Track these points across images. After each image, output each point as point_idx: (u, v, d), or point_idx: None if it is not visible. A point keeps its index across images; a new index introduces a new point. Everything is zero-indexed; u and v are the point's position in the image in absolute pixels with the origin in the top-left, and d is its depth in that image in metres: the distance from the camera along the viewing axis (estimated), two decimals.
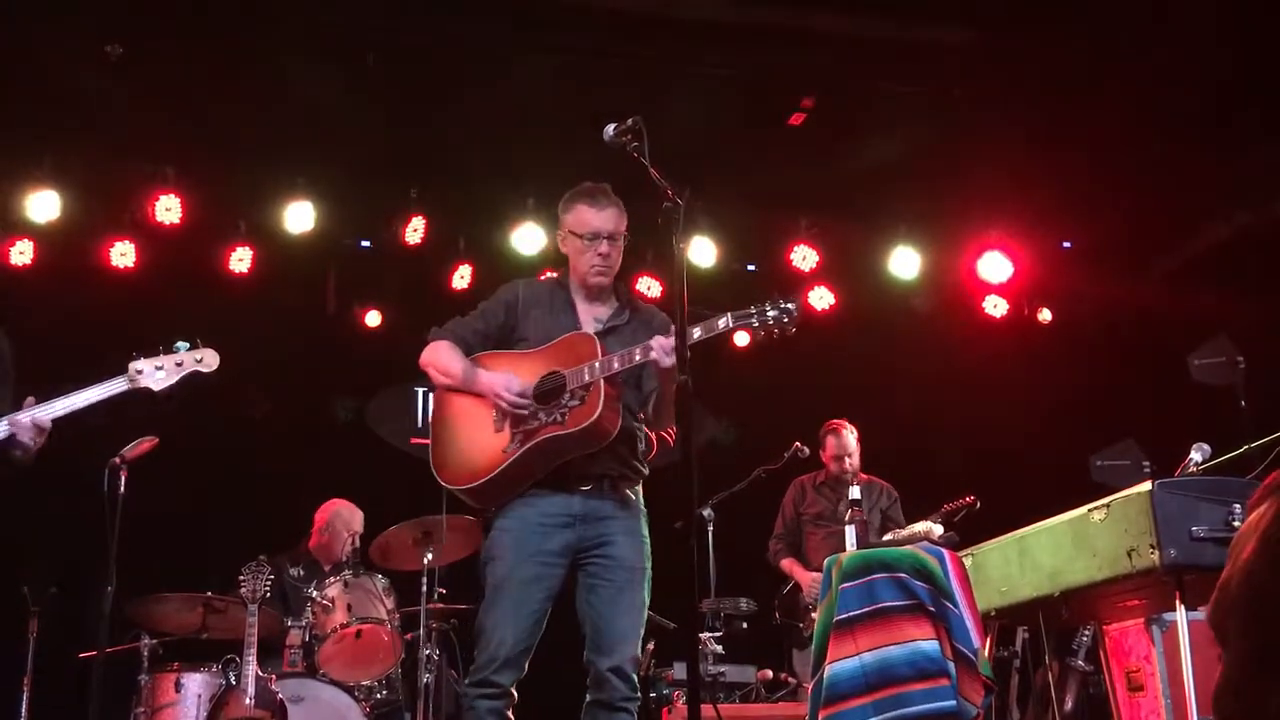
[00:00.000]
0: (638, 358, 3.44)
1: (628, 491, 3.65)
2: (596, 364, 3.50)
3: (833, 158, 6.95)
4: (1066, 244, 8.09)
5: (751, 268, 7.93)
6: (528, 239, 7.23)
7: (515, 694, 3.47)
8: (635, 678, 3.48)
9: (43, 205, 6.62)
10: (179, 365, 3.64)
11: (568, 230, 3.75)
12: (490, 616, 3.50)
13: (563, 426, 3.49)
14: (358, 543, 5.83)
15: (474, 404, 3.62)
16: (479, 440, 3.60)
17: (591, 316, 3.74)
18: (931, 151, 6.89)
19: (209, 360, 3.72)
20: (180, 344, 3.69)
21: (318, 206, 7.07)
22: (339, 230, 7.32)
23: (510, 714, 3.48)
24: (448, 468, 3.64)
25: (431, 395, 3.82)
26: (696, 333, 3.37)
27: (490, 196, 7.34)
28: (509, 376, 3.59)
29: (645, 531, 3.65)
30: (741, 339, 8.14)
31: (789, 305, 3.39)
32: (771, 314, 3.38)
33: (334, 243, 7.35)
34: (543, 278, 4.00)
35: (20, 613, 5.24)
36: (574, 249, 3.73)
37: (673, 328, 3.37)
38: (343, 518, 6.05)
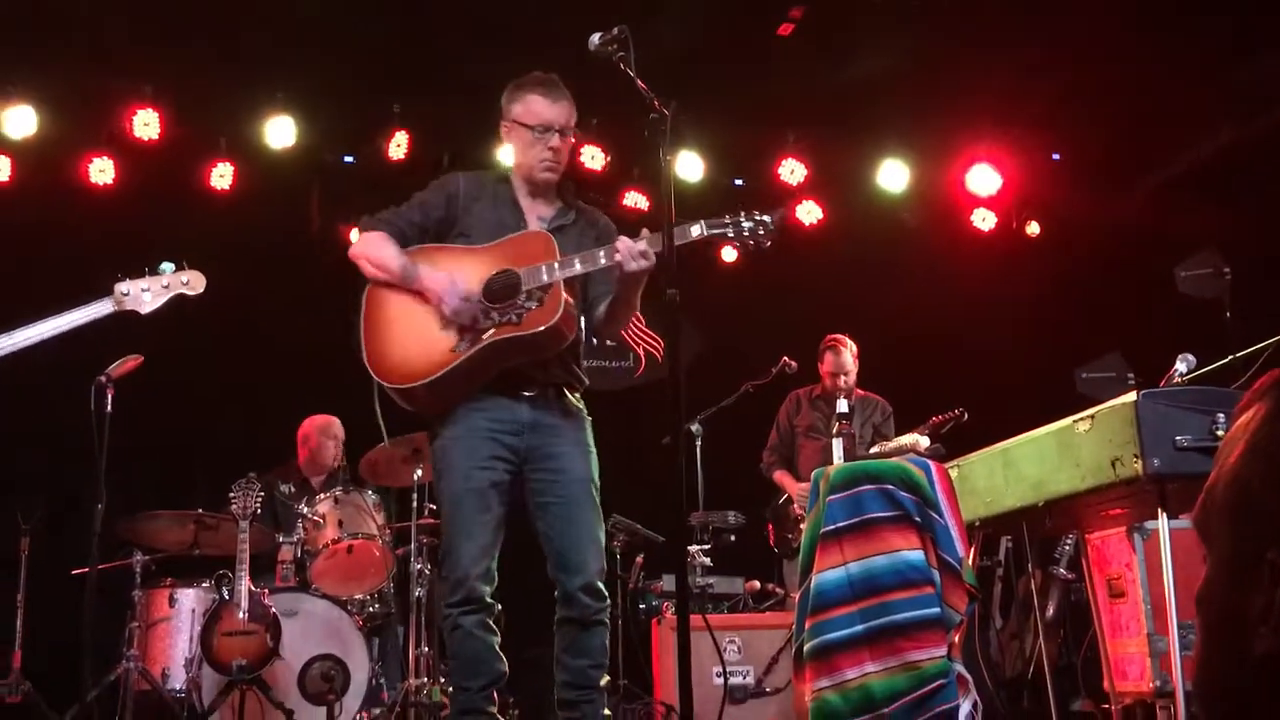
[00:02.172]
0: (602, 260, 3.30)
1: (571, 399, 3.53)
2: (555, 264, 3.33)
3: (821, 69, 6.86)
4: (1055, 156, 8.04)
5: (739, 182, 7.87)
6: (512, 155, 7.13)
7: (494, 603, 3.41)
8: (603, 587, 3.43)
9: (19, 121, 6.53)
10: (165, 287, 3.60)
11: (514, 121, 3.54)
12: (454, 533, 3.41)
13: (518, 328, 3.32)
14: (341, 455, 5.89)
15: (415, 300, 3.42)
16: (423, 338, 3.38)
17: (536, 215, 3.57)
18: (921, 63, 6.80)
19: (195, 283, 3.67)
20: (165, 265, 3.64)
21: (299, 122, 6.98)
22: (321, 146, 7.24)
23: (492, 623, 3.42)
24: (388, 367, 3.41)
25: (365, 291, 3.54)
26: (694, 230, 3.25)
27: (473, 110, 7.21)
28: (452, 279, 3.37)
29: (592, 442, 3.54)
30: (729, 254, 8.15)
31: (765, 218, 3.29)
32: (747, 225, 3.27)
33: (316, 159, 7.27)
34: (481, 173, 3.76)
35: (11, 532, 5.26)
36: (522, 141, 3.54)
37: (646, 232, 3.29)
38: (320, 427, 6.11)
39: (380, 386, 3.43)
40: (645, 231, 3.33)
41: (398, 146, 7.15)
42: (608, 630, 3.48)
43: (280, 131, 6.95)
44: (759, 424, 6.39)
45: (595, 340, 3.75)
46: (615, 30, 3.09)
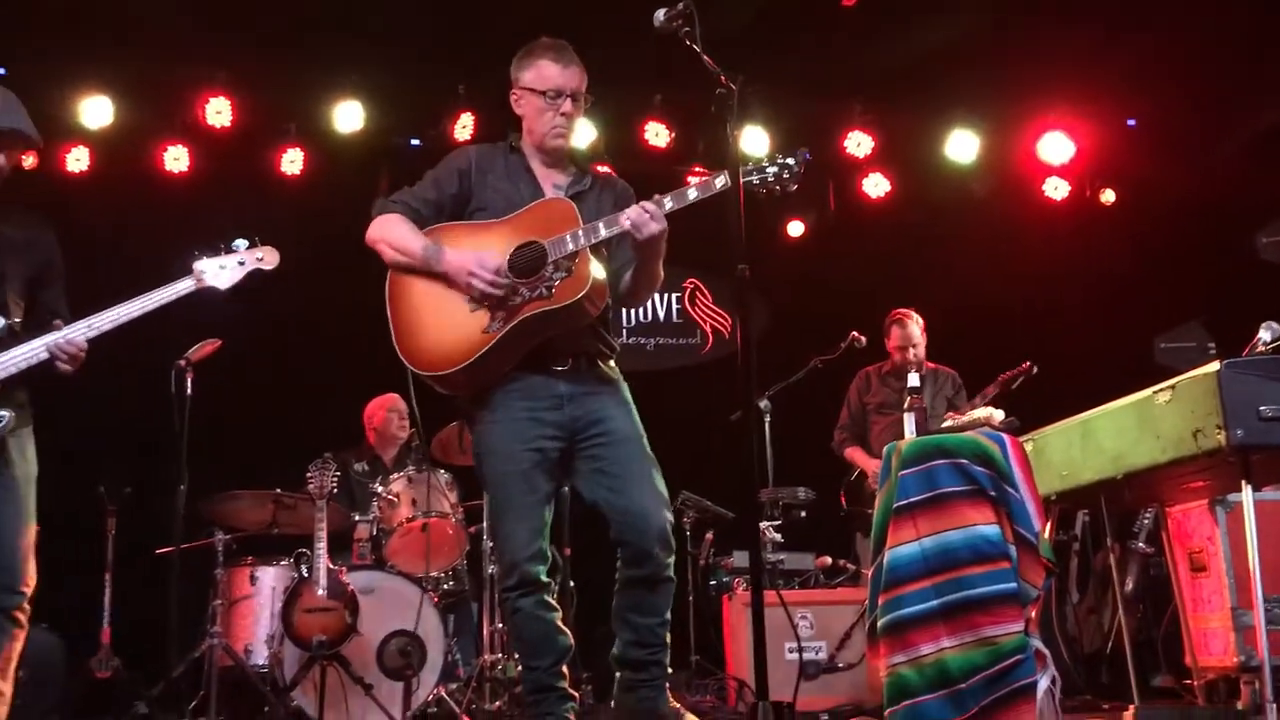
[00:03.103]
0: (625, 223, 3.22)
1: (604, 368, 3.45)
2: (580, 232, 3.24)
3: (887, 40, 6.76)
4: (1131, 122, 7.85)
5: (808, 156, 7.78)
6: (577, 132, 7.12)
7: (550, 580, 3.38)
8: (672, 542, 3.34)
9: (96, 111, 6.67)
10: (240, 264, 3.66)
11: (525, 88, 3.46)
12: (502, 519, 3.37)
13: (550, 301, 3.23)
14: (408, 428, 5.98)
15: (439, 282, 3.33)
16: (453, 321, 3.30)
17: (551, 183, 3.48)
18: (991, 29, 6.67)
19: (269, 258, 3.72)
20: (239, 242, 3.69)
21: (366, 106, 7.05)
22: (389, 129, 7.31)
23: (551, 599, 3.38)
24: (420, 354, 3.34)
25: (387, 278, 3.45)
26: (692, 194, 3.21)
27: None
28: (478, 257, 3.28)
29: (631, 401, 3.46)
30: (796, 228, 8.10)
31: (789, 161, 3.19)
32: (771, 170, 3.19)
33: (384, 142, 7.33)
34: (492, 144, 3.63)
35: (99, 512, 5.41)
36: (532, 108, 3.45)
37: (657, 196, 3.24)
38: (382, 403, 6.24)
39: (414, 375, 3.38)
40: (656, 196, 3.28)
41: (463, 128, 7.19)
42: (674, 586, 3.39)
43: (348, 116, 7.03)
44: (828, 399, 6.35)
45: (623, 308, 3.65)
46: (680, 5, 3.05)
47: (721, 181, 3.15)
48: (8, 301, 3.48)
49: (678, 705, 3.37)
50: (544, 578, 3.35)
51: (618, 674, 3.42)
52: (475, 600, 5.76)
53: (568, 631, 3.41)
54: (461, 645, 5.60)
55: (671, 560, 3.35)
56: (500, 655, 5.35)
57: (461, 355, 3.28)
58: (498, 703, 5.21)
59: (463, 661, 5.53)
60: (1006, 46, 6.80)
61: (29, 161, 5.15)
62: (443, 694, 5.11)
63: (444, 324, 3.32)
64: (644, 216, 3.20)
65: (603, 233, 3.24)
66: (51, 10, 6.00)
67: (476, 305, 3.30)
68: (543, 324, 3.27)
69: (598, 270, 3.27)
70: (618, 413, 3.38)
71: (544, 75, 3.44)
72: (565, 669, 3.40)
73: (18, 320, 3.47)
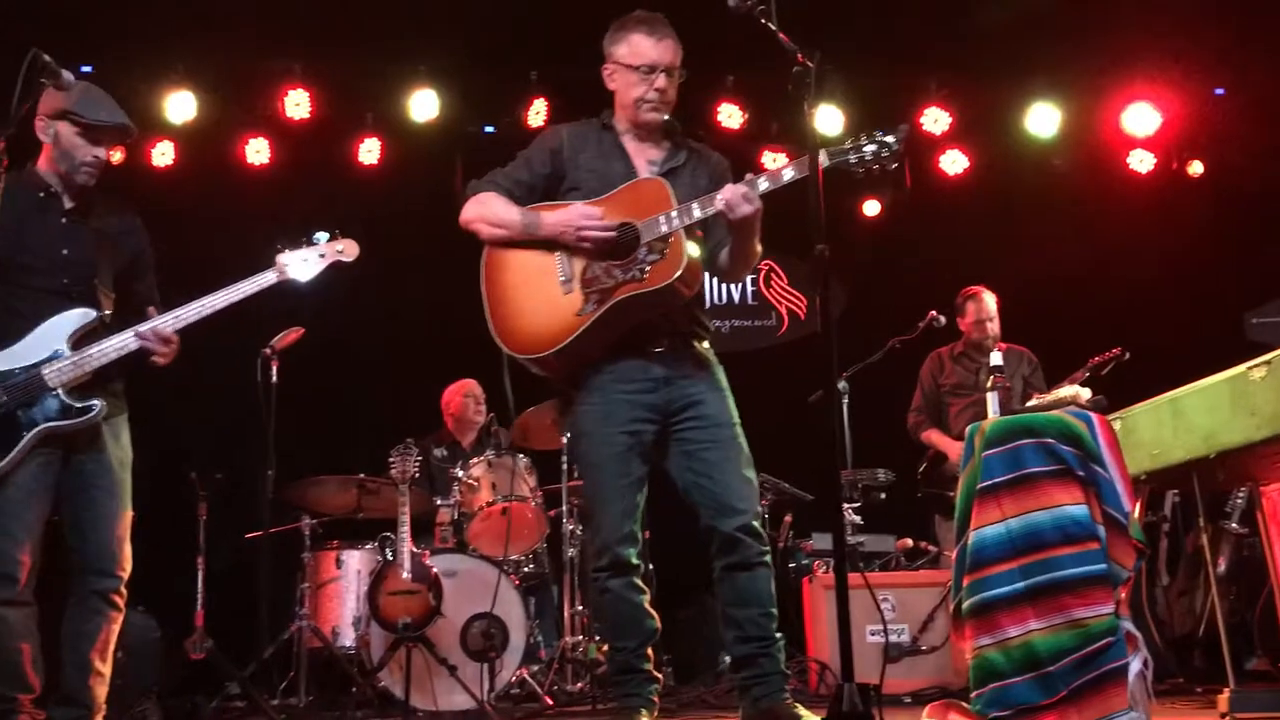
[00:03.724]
0: (719, 204, 3.18)
1: (700, 348, 3.43)
2: (674, 213, 3.21)
3: (964, 13, 6.63)
4: (1219, 91, 7.61)
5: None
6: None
7: (641, 563, 3.38)
8: (761, 532, 3.33)
9: (180, 106, 6.81)
10: (321, 256, 3.72)
11: (617, 63, 3.41)
12: (594, 497, 3.38)
13: (643, 284, 3.20)
14: (486, 412, 6.04)
15: (535, 261, 3.32)
16: (547, 303, 3.29)
17: (645, 160, 3.43)
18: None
19: (349, 250, 3.78)
20: (319, 234, 3.75)
21: (441, 94, 7.11)
22: (463, 117, 7.36)
23: (640, 582, 3.38)
24: (515, 335, 3.34)
25: (483, 255, 3.44)
26: (788, 174, 3.16)
27: None
28: (579, 208, 3.23)
29: (727, 386, 3.44)
30: (872, 208, 8.00)
31: (888, 138, 3.13)
32: (869, 149, 3.12)
33: (458, 130, 7.39)
34: (583, 122, 3.58)
35: (191, 498, 5.55)
36: (625, 83, 3.41)
37: (751, 176, 3.19)
38: (459, 389, 6.35)
39: (509, 358, 3.39)
40: (749, 175, 3.24)
41: (536, 114, 7.21)
42: (772, 574, 3.36)
43: (423, 105, 7.10)
44: (906, 380, 6.28)
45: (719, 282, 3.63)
46: None
47: (820, 160, 3.07)
48: (98, 294, 3.58)
49: (796, 705, 3.29)
50: (635, 560, 3.36)
51: (737, 678, 3.40)
52: (556, 583, 5.82)
53: (654, 614, 3.41)
54: (543, 628, 5.66)
55: (764, 548, 3.33)
56: (581, 637, 5.39)
57: (555, 338, 3.27)
58: (579, 684, 5.27)
59: (544, 644, 5.59)
60: (1088, 15, 6.64)
61: (117, 156, 5.29)
62: (525, 675, 5.17)
63: (538, 306, 3.32)
64: (738, 197, 3.17)
65: (696, 214, 3.21)
66: (136, 10, 6.13)
67: (570, 285, 3.28)
68: (636, 307, 3.25)
69: (692, 251, 3.24)
70: (712, 398, 3.37)
71: (637, 49, 3.39)
72: (650, 651, 3.41)
73: (108, 312, 3.58)
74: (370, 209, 6.88)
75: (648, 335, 3.33)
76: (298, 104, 6.96)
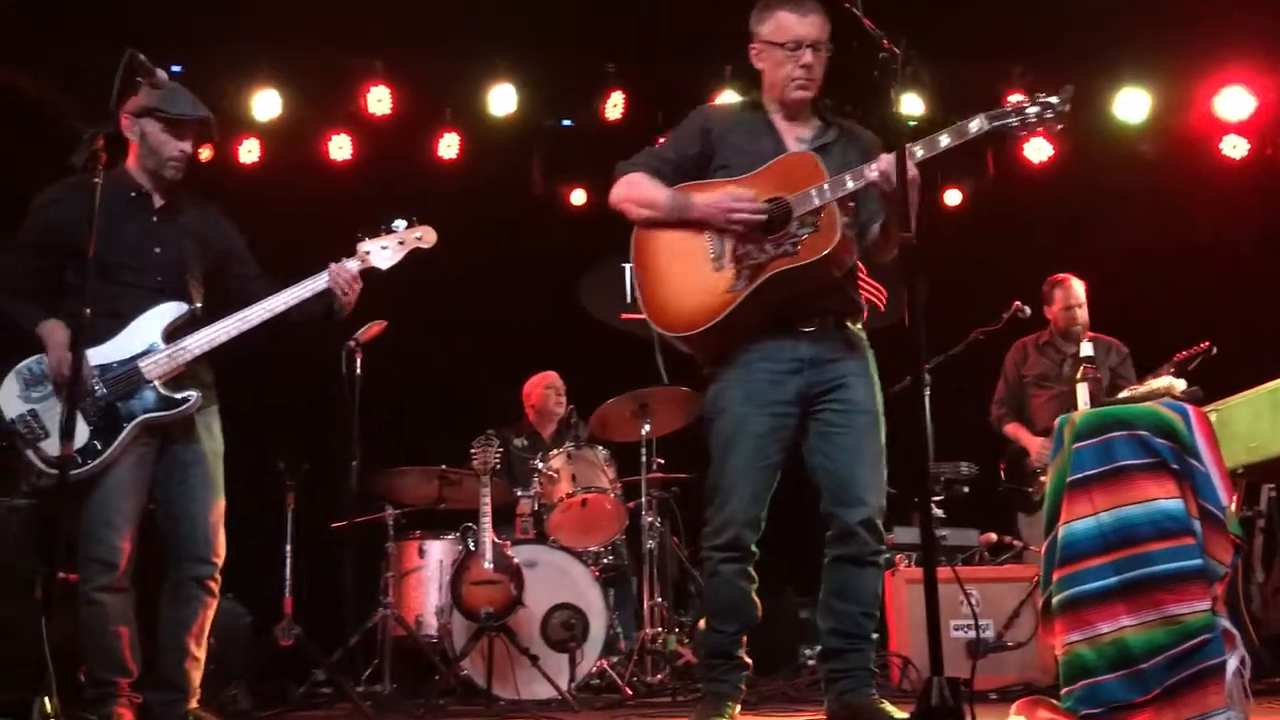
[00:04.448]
0: (873, 175, 3.10)
1: (852, 328, 3.38)
2: (825, 185, 3.14)
3: None
4: None
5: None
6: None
7: (756, 551, 3.33)
8: (881, 529, 3.29)
9: (266, 104, 6.93)
10: (400, 244, 3.78)
11: (764, 41, 3.38)
12: (725, 474, 3.30)
13: (795, 258, 3.15)
14: (566, 404, 6.06)
15: (684, 240, 3.30)
16: (698, 280, 3.26)
17: (794, 137, 3.39)
18: None
19: (427, 236, 3.83)
20: (398, 221, 3.80)
21: (519, 88, 7.15)
22: (540, 111, 7.39)
23: (752, 570, 3.34)
24: (666, 313, 3.32)
25: (633, 235, 3.42)
26: (944, 140, 3.09)
27: (686, 67, 7.23)
28: (731, 191, 3.19)
29: (875, 373, 3.38)
30: (953, 197, 7.87)
31: (1053, 100, 3.04)
32: (1033, 111, 3.04)
33: (536, 123, 7.43)
34: (731, 103, 3.55)
35: (278, 488, 5.66)
36: (772, 61, 3.37)
37: (920, 146, 3.11)
38: (539, 381, 6.40)
39: (659, 335, 3.36)
40: (910, 146, 3.15)
41: (614, 107, 7.22)
42: (882, 576, 3.33)
43: (502, 99, 7.14)
44: (990, 372, 6.17)
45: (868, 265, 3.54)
46: None
47: (976, 125, 3.07)
48: (190, 289, 3.67)
49: (882, 701, 3.27)
50: (753, 548, 3.32)
51: (824, 669, 3.38)
52: (635, 575, 5.83)
53: (759, 604, 3.38)
54: (622, 619, 5.68)
55: (880, 547, 3.28)
56: (660, 629, 5.40)
57: (706, 315, 3.25)
58: (659, 675, 5.27)
59: (623, 635, 5.60)
60: None
61: (205, 154, 5.40)
62: (605, 666, 5.19)
63: (688, 283, 3.29)
64: (893, 166, 3.07)
65: (849, 185, 3.14)
66: (222, 10, 6.25)
67: (720, 262, 3.24)
68: (788, 282, 3.20)
69: (843, 226, 3.18)
70: (858, 382, 3.31)
71: (783, 26, 3.36)
72: (745, 638, 3.39)
73: (199, 305, 3.67)
74: (450, 203, 6.93)
75: (798, 313, 3.29)
76: (379, 100, 7.05)
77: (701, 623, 3.49)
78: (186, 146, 3.66)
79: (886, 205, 3.22)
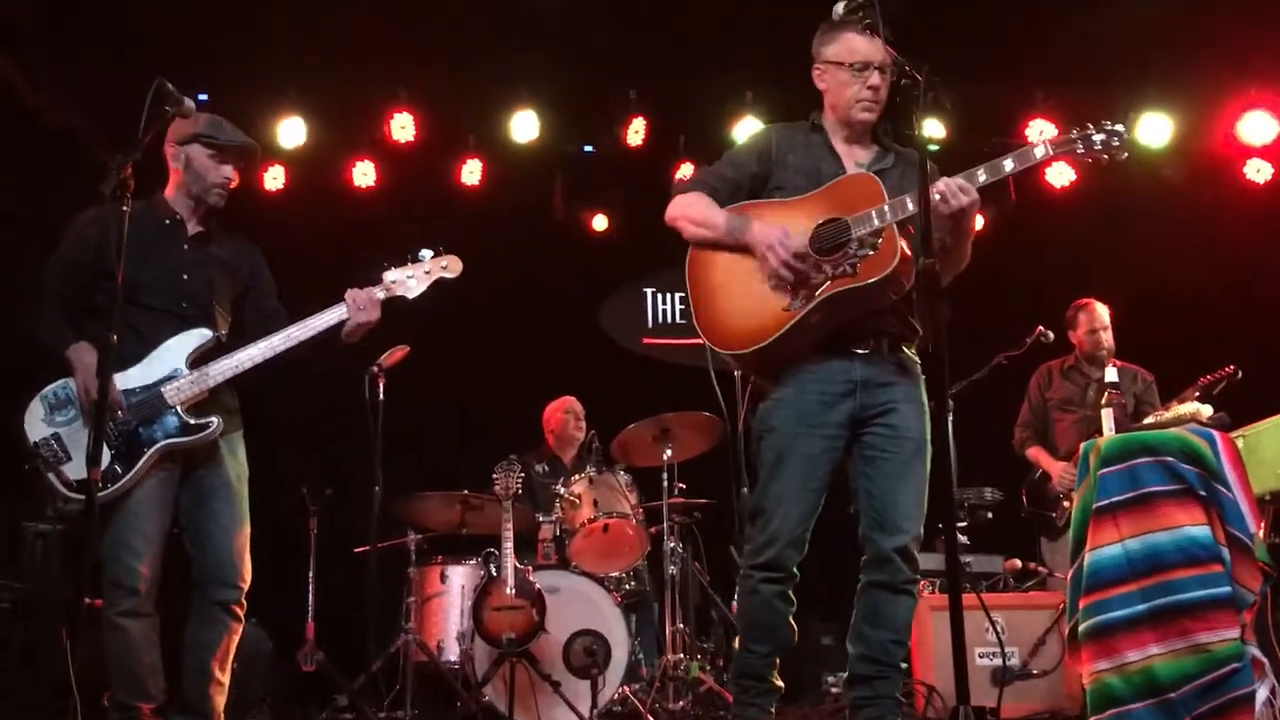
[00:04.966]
0: (934, 196, 3.07)
1: (907, 353, 3.35)
2: (885, 207, 3.14)
3: (1070, 19, 6.49)
4: None
5: (987, 151, 7.55)
6: (748, 133, 7.10)
7: (797, 574, 3.29)
8: (916, 559, 3.26)
9: (291, 131, 7.00)
10: (427, 273, 3.80)
11: (829, 61, 3.36)
12: (771, 493, 3.27)
13: (854, 279, 3.14)
14: (585, 428, 6.07)
15: (740, 259, 3.29)
16: (754, 300, 3.25)
17: (854, 162, 3.39)
18: (1182, 3, 6.33)
19: (453, 266, 3.85)
20: (424, 251, 3.82)
21: (541, 115, 7.20)
22: (562, 137, 7.44)
23: (792, 594, 3.30)
24: (721, 332, 3.32)
25: (688, 254, 3.42)
26: (1008, 165, 3.09)
27: (707, 93, 7.27)
28: (785, 230, 3.19)
29: (925, 400, 3.34)
30: (975, 222, 7.85)
31: (1117, 127, 3.05)
32: (1098, 138, 3.05)
33: (558, 150, 7.48)
34: (793, 124, 3.53)
35: (301, 512, 5.67)
36: (837, 82, 3.36)
37: (982, 170, 3.10)
38: (559, 406, 6.42)
39: (713, 354, 3.36)
40: (974, 171, 3.16)
41: (635, 133, 7.26)
42: (915, 605, 3.31)
43: (524, 126, 7.18)
44: (1013, 397, 6.15)
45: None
46: None
47: (1041, 151, 3.07)
48: (215, 316, 3.70)
49: None
50: (795, 570, 3.29)
51: (850, 695, 3.36)
52: (657, 601, 5.81)
53: (795, 628, 3.36)
54: (644, 645, 5.65)
55: (914, 576, 3.27)
56: (683, 656, 5.37)
57: (761, 334, 3.25)
58: (681, 702, 5.24)
59: (645, 662, 5.58)
60: (1199, 21, 6.44)
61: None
62: (627, 693, 5.16)
63: (744, 302, 3.29)
64: (953, 188, 3.09)
65: (910, 207, 3.12)
66: (248, 39, 6.32)
67: (778, 283, 3.25)
68: (844, 303, 3.20)
69: (903, 247, 3.17)
70: (908, 409, 3.30)
71: (851, 47, 3.33)
72: (778, 660, 3.37)
73: (223, 333, 3.70)
74: (472, 228, 7.00)
75: (853, 335, 3.28)
76: (403, 127, 7.10)
77: (736, 641, 3.44)
78: (230, 172, 3.72)
79: (946, 227, 3.20)
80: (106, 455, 3.43)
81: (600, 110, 7.40)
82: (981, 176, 3.13)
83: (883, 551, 3.23)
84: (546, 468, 6.26)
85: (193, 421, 3.55)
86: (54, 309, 3.55)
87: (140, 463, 3.48)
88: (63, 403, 3.50)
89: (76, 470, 3.43)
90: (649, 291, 7.83)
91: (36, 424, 3.50)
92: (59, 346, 3.49)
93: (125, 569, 3.45)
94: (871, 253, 3.15)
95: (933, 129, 7.07)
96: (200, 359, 3.60)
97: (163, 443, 3.52)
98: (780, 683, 3.40)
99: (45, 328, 3.54)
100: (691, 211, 3.39)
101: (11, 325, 3.60)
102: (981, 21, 6.58)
